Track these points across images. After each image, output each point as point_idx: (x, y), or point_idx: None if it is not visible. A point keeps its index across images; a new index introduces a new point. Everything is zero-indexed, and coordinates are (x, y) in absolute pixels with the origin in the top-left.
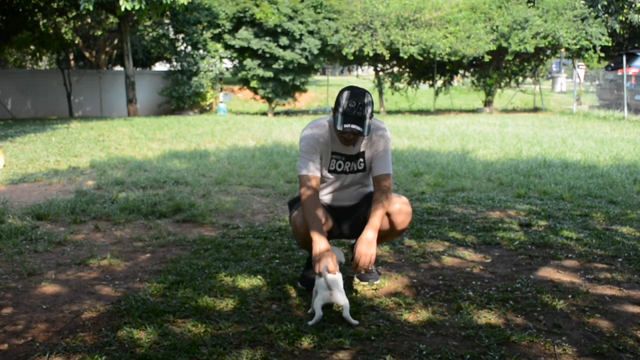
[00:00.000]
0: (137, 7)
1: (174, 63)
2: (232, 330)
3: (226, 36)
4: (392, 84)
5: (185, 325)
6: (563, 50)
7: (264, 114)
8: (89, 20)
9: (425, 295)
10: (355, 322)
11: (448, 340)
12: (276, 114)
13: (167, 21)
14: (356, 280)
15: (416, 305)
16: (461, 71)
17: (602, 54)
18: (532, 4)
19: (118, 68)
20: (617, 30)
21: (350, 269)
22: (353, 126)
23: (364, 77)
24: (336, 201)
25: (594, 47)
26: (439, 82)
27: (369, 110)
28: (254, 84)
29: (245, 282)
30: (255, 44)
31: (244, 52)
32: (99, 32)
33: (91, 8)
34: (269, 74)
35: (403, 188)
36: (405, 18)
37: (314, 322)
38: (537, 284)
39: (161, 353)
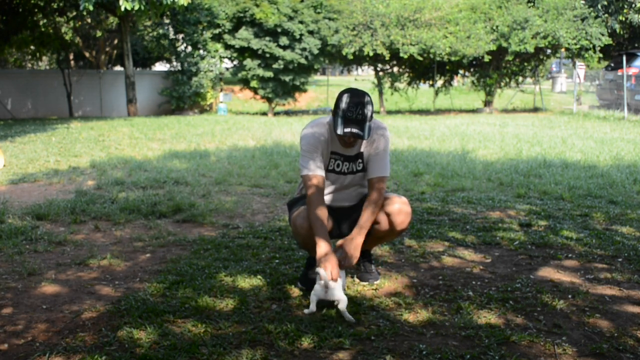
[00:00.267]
0: (137, 8)
1: (174, 63)
2: (232, 330)
3: (226, 36)
4: (392, 84)
5: (185, 325)
6: (563, 50)
7: (264, 114)
8: (89, 20)
9: (425, 295)
10: (352, 319)
11: (448, 340)
12: (276, 114)
13: (167, 21)
14: (356, 280)
15: (416, 305)
16: (461, 71)
17: (601, 55)
18: (532, 4)
19: (118, 68)
20: (617, 30)
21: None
22: (354, 130)
23: (363, 77)
24: (335, 201)
25: (594, 47)
26: (439, 82)
27: (370, 113)
28: (254, 84)
29: (245, 282)
30: (255, 44)
31: (244, 52)
32: (99, 32)
33: (91, 8)
34: (269, 74)
35: (403, 188)
36: (405, 18)
37: (308, 313)
38: (537, 284)
39: (161, 353)
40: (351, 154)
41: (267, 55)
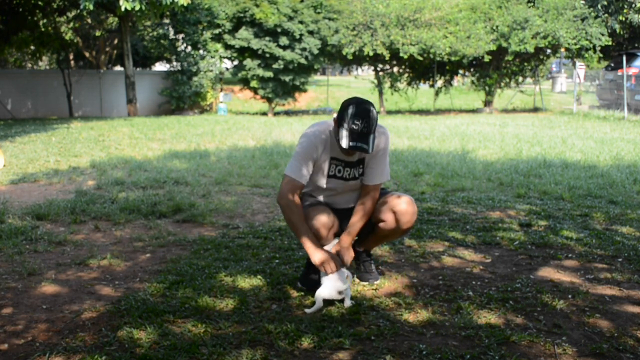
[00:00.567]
0: (137, 8)
1: (174, 63)
2: (232, 330)
3: (226, 36)
4: (392, 84)
5: (185, 325)
6: (563, 50)
7: (264, 114)
8: (89, 20)
9: (425, 295)
10: (350, 302)
11: (448, 340)
12: (276, 114)
13: (167, 21)
14: (356, 280)
15: (416, 305)
16: (461, 71)
17: (601, 55)
18: (532, 4)
19: (118, 68)
20: (617, 30)
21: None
22: (359, 144)
23: (363, 77)
24: (337, 205)
25: (594, 47)
26: (439, 82)
27: (374, 126)
28: (254, 84)
29: (245, 282)
30: (255, 44)
31: (244, 52)
32: (99, 32)
33: (92, 8)
34: (269, 74)
35: (403, 188)
36: (405, 18)
37: (312, 311)
38: (537, 284)
39: (161, 353)
40: (352, 160)
41: (267, 55)
